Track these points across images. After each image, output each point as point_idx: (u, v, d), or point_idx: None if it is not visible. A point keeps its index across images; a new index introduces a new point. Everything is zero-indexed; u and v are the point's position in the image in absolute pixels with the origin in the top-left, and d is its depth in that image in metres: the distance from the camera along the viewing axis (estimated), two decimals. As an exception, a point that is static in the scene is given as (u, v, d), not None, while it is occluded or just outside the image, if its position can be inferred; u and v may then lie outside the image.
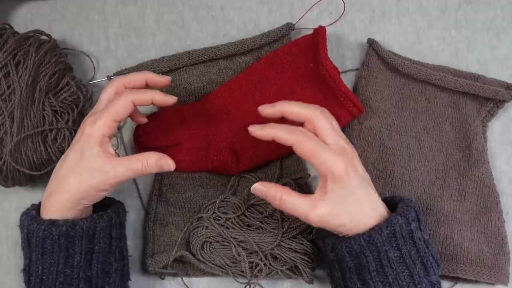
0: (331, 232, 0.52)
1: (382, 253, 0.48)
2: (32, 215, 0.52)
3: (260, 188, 0.52)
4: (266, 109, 0.54)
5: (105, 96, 0.55)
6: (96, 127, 0.51)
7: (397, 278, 0.48)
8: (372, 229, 0.49)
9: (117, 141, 0.66)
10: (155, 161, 0.52)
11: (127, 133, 0.67)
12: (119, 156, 0.53)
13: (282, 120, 0.54)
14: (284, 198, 0.50)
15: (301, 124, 0.53)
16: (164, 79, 0.57)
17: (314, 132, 0.51)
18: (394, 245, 0.48)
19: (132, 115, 0.60)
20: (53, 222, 0.50)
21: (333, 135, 0.51)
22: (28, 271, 0.52)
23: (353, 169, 0.50)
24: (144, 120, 0.61)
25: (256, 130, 0.52)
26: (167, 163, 0.52)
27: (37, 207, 0.54)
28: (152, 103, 0.55)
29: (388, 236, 0.48)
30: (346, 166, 0.49)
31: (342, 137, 0.52)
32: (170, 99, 0.56)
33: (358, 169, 0.51)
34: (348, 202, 0.49)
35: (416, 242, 0.49)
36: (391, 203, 0.53)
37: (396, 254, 0.48)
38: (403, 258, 0.48)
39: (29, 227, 0.51)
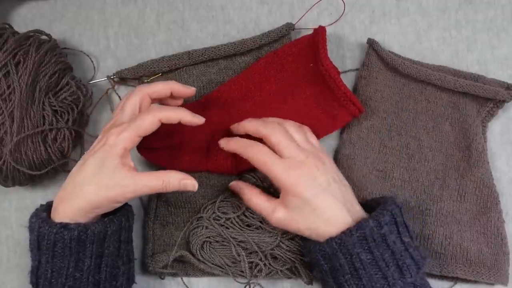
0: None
1: (354, 256, 0.49)
2: (42, 217, 0.51)
3: (236, 184, 0.59)
4: (233, 127, 0.60)
5: (129, 105, 0.54)
6: (119, 140, 0.51)
7: (371, 281, 0.49)
8: (343, 232, 0.50)
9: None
10: (178, 181, 0.52)
11: (127, 133, 0.67)
12: (136, 170, 0.52)
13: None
14: (252, 198, 0.56)
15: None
16: (189, 90, 0.57)
17: (272, 148, 0.54)
18: (365, 247, 0.49)
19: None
20: (65, 226, 0.49)
21: (288, 149, 0.54)
22: (36, 273, 0.51)
23: (309, 181, 0.52)
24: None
25: (222, 144, 0.58)
26: (192, 183, 0.53)
27: (46, 208, 0.53)
28: (179, 123, 0.54)
29: (358, 239, 0.49)
30: (298, 179, 0.52)
31: (303, 149, 0.54)
32: (199, 120, 0.55)
33: (318, 179, 0.52)
34: (304, 210, 0.52)
35: (390, 245, 0.49)
36: (380, 204, 0.54)
37: (368, 257, 0.49)
38: (375, 261, 0.49)
39: (40, 229, 0.50)
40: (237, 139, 0.57)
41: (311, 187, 0.52)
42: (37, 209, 0.54)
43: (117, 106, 0.57)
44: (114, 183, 0.50)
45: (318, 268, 0.53)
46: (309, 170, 0.53)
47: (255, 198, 0.56)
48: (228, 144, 0.57)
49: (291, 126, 0.57)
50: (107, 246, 0.51)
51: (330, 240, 0.50)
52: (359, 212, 0.53)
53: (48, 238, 0.50)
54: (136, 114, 0.54)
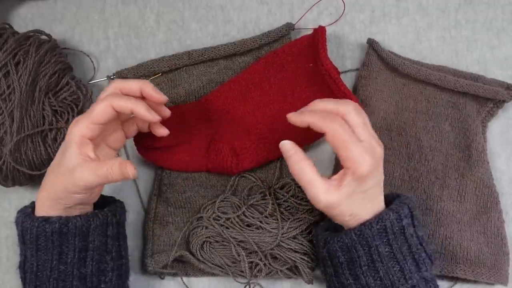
0: (324, 229, 0.54)
1: (373, 248, 0.49)
2: (27, 212, 0.52)
3: (289, 147, 0.52)
4: (295, 117, 0.53)
5: (100, 97, 0.54)
6: (76, 128, 0.51)
7: (388, 273, 0.49)
8: (363, 224, 0.50)
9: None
10: (118, 167, 0.49)
11: (127, 133, 0.67)
12: (98, 160, 0.51)
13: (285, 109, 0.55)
14: (305, 169, 0.50)
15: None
16: (161, 97, 0.54)
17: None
18: (384, 240, 0.49)
19: (151, 126, 0.57)
20: (46, 219, 0.50)
21: (364, 132, 0.51)
22: (23, 268, 0.52)
23: (376, 171, 0.50)
24: (165, 132, 0.57)
25: (293, 116, 0.52)
26: (132, 171, 0.50)
27: (32, 205, 0.54)
28: (132, 114, 0.52)
29: (378, 231, 0.49)
30: (371, 167, 0.49)
31: (374, 137, 0.52)
32: (152, 116, 0.52)
33: (380, 169, 0.52)
34: (357, 197, 0.50)
35: (407, 238, 0.50)
36: (388, 199, 0.54)
37: (386, 249, 0.49)
38: (393, 253, 0.49)
39: (23, 224, 0.51)
40: (312, 110, 0.52)
41: (375, 176, 0.50)
42: (25, 206, 0.55)
43: None
44: (67, 171, 0.50)
45: (332, 261, 0.52)
46: (379, 159, 0.51)
47: (309, 171, 0.50)
48: (301, 115, 0.52)
49: (358, 106, 0.53)
50: (92, 240, 0.51)
51: (349, 231, 0.50)
52: (381, 203, 0.52)
53: (31, 232, 0.50)
54: None
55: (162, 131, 0.57)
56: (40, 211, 0.51)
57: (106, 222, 0.53)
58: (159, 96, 0.53)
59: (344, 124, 0.50)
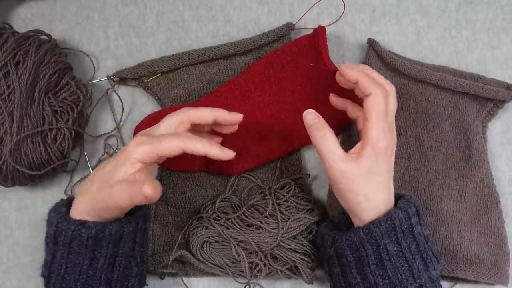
0: (331, 228, 0.54)
1: (381, 247, 0.49)
2: (61, 212, 0.51)
3: (312, 116, 0.53)
4: (347, 70, 0.54)
5: (167, 122, 0.52)
6: (139, 149, 0.49)
7: (397, 272, 0.49)
8: (371, 223, 0.49)
9: (117, 141, 0.66)
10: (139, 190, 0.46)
11: (127, 133, 0.67)
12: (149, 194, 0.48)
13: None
14: (327, 136, 0.51)
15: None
16: (236, 119, 0.54)
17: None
18: (393, 239, 0.49)
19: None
20: (83, 223, 0.49)
21: (392, 116, 0.53)
22: (49, 267, 0.51)
23: (390, 154, 0.52)
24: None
25: (346, 68, 0.54)
26: (147, 190, 0.46)
27: (65, 204, 0.53)
28: (206, 156, 0.51)
29: (387, 230, 0.49)
30: (388, 143, 0.51)
31: (392, 126, 0.53)
32: (227, 155, 0.51)
33: (393, 158, 0.53)
34: (373, 177, 0.50)
35: (416, 237, 0.50)
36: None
37: (395, 248, 0.49)
38: (402, 252, 0.49)
39: (58, 224, 0.50)
40: (364, 70, 0.54)
41: (389, 161, 0.52)
42: (57, 203, 0.54)
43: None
44: (110, 185, 0.49)
45: (340, 261, 0.52)
46: (392, 146, 0.53)
47: (331, 137, 0.51)
48: (353, 69, 0.53)
49: (390, 90, 0.55)
50: (122, 246, 0.51)
51: (358, 229, 0.50)
52: (392, 202, 0.53)
53: (65, 234, 0.50)
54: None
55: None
56: (76, 214, 0.51)
57: (137, 228, 0.52)
58: (235, 118, 0.54)
59: (387, 97, 0.52)
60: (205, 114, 0.53)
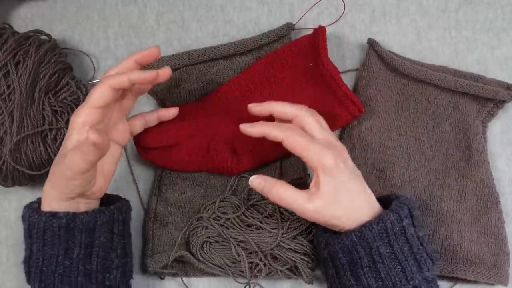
0: (325, 230, 0.54)
1: (374, 249, 0.49)
2: (33, 207, 0.52)
3: (258, 181, 0.53)
4: (255, 107, 0.56)
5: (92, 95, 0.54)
6: (76, 116, 0.51)
7: (389, 274, 0.49)
8: (363, 226, 0.50)
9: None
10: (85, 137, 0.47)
11: (127, 133, 0.67)
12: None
13: (270, 118, 0.56)
14: (281, 190, 0.52)
15: (289, 122, 0.55)
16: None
17: (302, 129, 0.53)
18: (385, 241, 0.49)
19: (160, 114, 0.60)
20: (53, 214, 0.50)
21: (321, 131, 0.53)
22: (28, 262, 0.52)
23: (343, 162, 0.51)
24: (176, 110, 0.60)
25: (247, 128, 0.55)
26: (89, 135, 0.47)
27: (38, 200, 0.54)
28: (133, 84, 0.52)
29: (379, 232, 0.49)
30: (335, 158, 0.51)
31: (330, 134, 0.54)
32: (149, 75, 0.51)
33: (348, 162, 0.52)
34: (341, 195, 0.51)
35: (408, 239, 0.50)
36: (387, 201, 0.54)
37: (388, 250, 0.49)
38: (395, 254, 0.49)
39: (30, 218, 0.51)
40: (264, 122, 0.54)
41: (346, 168, 0.51)
42: (31, 201, 0.55)
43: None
44: (62, 156, 0.50)
45: (334, 263, 0.52)
46: (341, 151, 0.52)
47: (286, 190, 0.52)
48: (254, 126, 0.54)
49: (312, 110, 0.55)
50: (98, 237, 0.51)
51: (350, 233, 0.50)
52: (376, 203, 0.53)
53: (38, 227, 0.50)
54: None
55: (173, 111, 0.59)
56: (45, 205, 0.52)
57: (112, 219, 0.53)
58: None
59: (296, 128, 0.53)
60: (124, 64, 0.54)
